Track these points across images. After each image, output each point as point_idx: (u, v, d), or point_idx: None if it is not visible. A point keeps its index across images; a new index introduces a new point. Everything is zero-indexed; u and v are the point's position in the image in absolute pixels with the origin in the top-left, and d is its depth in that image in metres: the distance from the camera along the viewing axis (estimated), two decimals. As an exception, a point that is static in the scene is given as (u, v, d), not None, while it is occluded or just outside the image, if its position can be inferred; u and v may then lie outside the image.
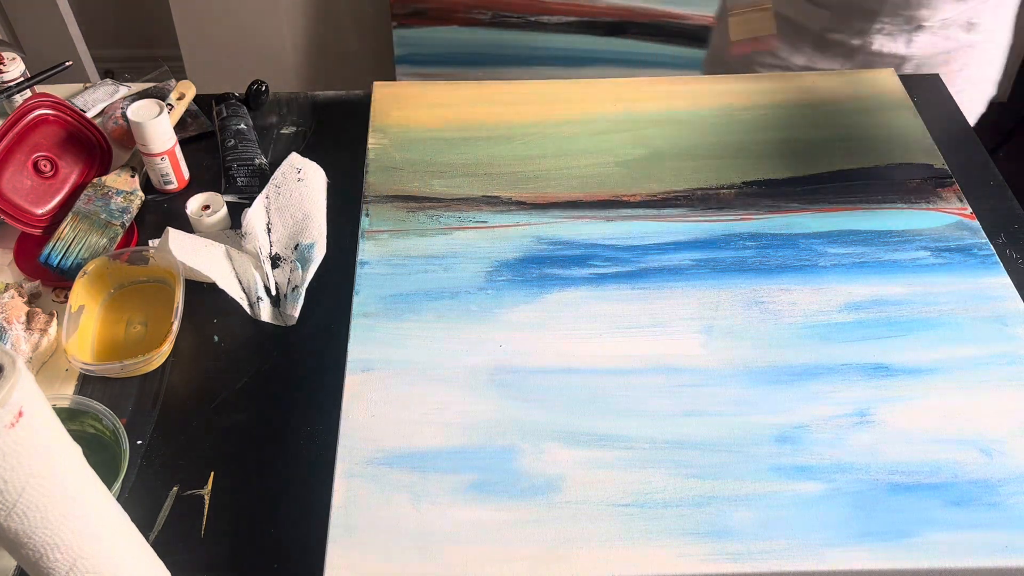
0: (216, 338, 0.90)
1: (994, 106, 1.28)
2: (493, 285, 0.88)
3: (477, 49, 2.01)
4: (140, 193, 1.01)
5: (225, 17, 2.00)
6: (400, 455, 0.74)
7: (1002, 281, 0.88)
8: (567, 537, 0.69)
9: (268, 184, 0.99)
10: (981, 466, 0.74)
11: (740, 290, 0.87)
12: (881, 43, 1.09)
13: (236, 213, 0.98)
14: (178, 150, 1.04)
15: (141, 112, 1.00)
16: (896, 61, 1.17)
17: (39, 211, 0.98)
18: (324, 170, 1.03)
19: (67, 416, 0.80)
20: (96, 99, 1.15)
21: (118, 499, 0.69)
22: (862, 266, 0.90)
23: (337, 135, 1.12)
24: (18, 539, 0.54)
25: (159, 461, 0.80)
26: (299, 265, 0.92)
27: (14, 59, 1.13)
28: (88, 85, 1.18)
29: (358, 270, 0.89)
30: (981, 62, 1.21)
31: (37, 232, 0.97)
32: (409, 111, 1.08)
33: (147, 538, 0.68)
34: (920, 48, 1.15)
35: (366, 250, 0.91)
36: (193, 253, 0.90)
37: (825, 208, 0.96)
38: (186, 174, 1.06)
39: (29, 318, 0.87)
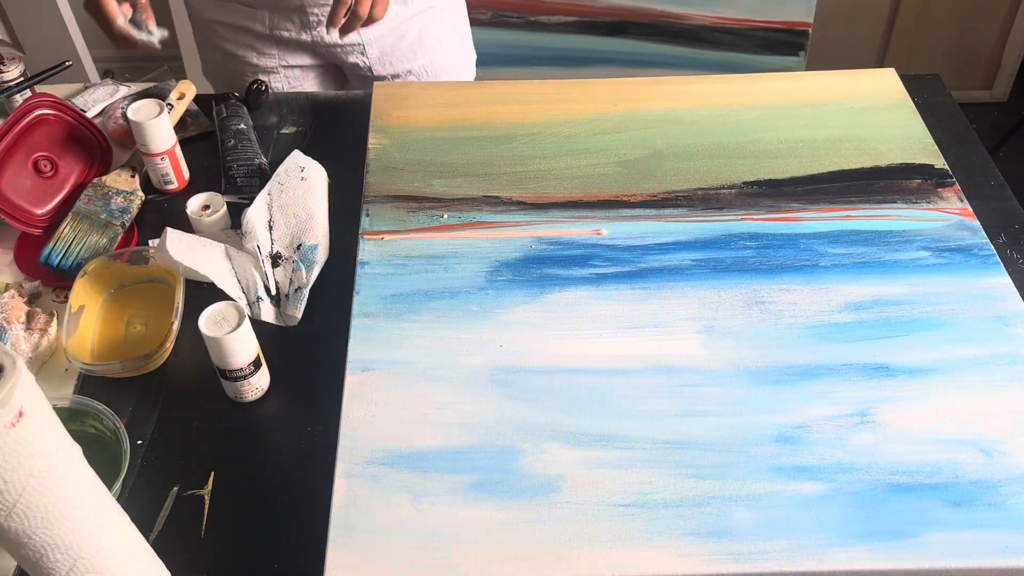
0: (216, 338, 0.89)
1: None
2: (493, 285, 0.88)
3: (477, 49, 2.01)
4: (140, 193, 1.01)
5: (225, 17, 2.00)
6: (400, 455, 0.74)
7: (1002, 281, 0.88)
8: (567, 537, 0.69)
9: (271, 181, 0.99)
10: (981, 466, 0.74)
11: (740, 290, 0.87)
12: (334, 33, 1.05)
13: (236, 213, 0.98)
14: (178, 150, 1.04)
15: (141, 112, 1.00)
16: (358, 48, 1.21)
17: (39, 211, 0.98)
18: (324, 170, 1.03)
19: (67, 416, 0.80)
20: (96, 99, 1.15)
21: (118, 499, 0.69)
22: (862, 266, 0.89)
23: (337, 135, 1.12)
24: (18, 539, 0.54)
25: (159, 461, 0.80)
26: (301, 265, 0.92)
27: (14, 59, 1.13)
28: (88, 85, 1.18)
29: (358, 270, 0.89)
30: (447, 28, 1.26)
31: (37, 232, 0.97)
32: (409, 111, 1.08)
33: (147, 538, 0.68)
34: (377, 29, 1.16)
35: (366, 250, 0.91)
36: (191, 253, 0.90)
37: (825, 208, 0.96)
38: (186, 174, 1.06)
39: (29, 318, 0.87)
